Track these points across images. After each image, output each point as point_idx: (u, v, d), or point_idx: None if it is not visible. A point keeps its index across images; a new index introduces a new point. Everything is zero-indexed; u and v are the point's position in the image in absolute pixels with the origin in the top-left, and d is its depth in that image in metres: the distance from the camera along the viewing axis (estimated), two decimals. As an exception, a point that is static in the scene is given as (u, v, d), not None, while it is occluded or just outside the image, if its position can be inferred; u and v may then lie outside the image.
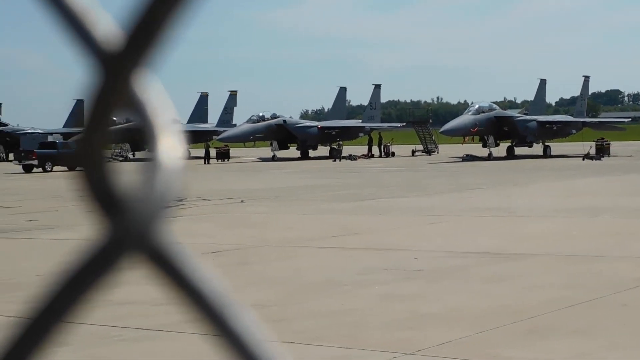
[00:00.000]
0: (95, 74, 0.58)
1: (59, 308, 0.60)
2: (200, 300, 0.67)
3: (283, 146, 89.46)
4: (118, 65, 0.57)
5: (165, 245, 0.63)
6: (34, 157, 68.51)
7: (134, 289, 15.12)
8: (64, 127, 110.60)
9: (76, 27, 0.60)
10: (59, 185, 49.22)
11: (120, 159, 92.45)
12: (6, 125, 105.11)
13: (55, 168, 68.46)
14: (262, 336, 0.70)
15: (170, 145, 0.60)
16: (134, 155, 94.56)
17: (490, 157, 73.73)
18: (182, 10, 0.61)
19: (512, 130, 77.88)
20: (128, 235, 0.57)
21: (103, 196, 0.58)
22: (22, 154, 70.40)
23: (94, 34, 0.60)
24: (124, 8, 0.61)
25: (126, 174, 0.58)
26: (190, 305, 0.67)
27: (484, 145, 77.01)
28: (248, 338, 0.69)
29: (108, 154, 0.56)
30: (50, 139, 79.03)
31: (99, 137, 0.56)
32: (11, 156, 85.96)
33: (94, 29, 0.61)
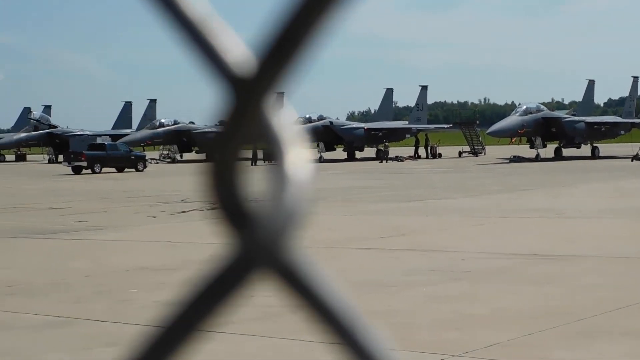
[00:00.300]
0: (226, 97, 0.59)
1: (189, 321, 0.61)
2: (329, 315, 0.67)
3: (330, 147, 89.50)
4: (250, 90, 0.58)
5: (294, 260, 0.63)
6: (83, 159, 69.11)
7: (180, 290, 15.25)
8: (112, 128, 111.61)
9: (208, 51, 0.61)
10: (108, 186, 49.65)
11: (169, 160, 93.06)
12: (56, 127, 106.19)
13: (103, 169, 69.01)
14: (389, 351, 0.71)
15: (298, 158, 0.60)
16: (181, 156, 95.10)
17: (537, 159, 73.25)
18: (315, 34, 0.61)
19: (560, 132, 77.30)
20: (258, 250, 0.58)
21: (233, 211, 0.59)
22: (72, 156, 71.03)
23: (225, 58, 0.61)
24: (256, 32, 0.61)
25: (256, 187, 0.59)
26: (319, 320, 0.67)
27: (532, 147, 76.53)
28: (376, 352, 0.69)
29: (239, 171, 0.57)
30: (99, 140, 79.65)
31: (230, 156, 0.57)
32: (61, 158, 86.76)
33: (226, 54, 0.62)
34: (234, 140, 0.58)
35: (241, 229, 0.59)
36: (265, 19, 0.62)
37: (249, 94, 0.58)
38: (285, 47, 0.59)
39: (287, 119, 0.61)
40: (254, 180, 0.59)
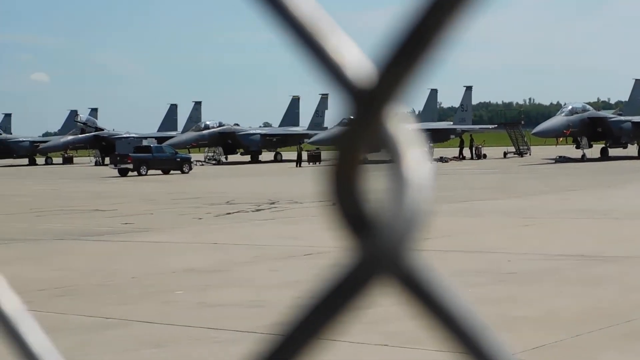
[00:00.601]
0: (347, 108, 0.59)
1: (309, 328, 0.61)
2: (452, 323, 0.66)
3: (374, 148, 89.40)
4: (370, 101, 0.58)
5: (416, 266, 0.63)
6: (129, 161, 69.60)
7: (227, 292, 15.30)
8: (158, 131, 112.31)
9: (327, 63, 0.61)
10: (154, 188, 49.96)
11: (214, 162, 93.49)
12: (102, 129, 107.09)
13: (149, 172, 69.46)
14: (515, 359, 0.70)
15: (418, 163, 0.59)
16: (226, 158, 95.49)
17: (583, 159, 72.69)
18: (439, 40, 0.61)
19: (606, 131, 76.64)
20: (379, 256, 0.57)
21: (353, 217, 0.58)
22: (118, 158, 71.59)
23: (346, 70, 0.61)
24: (376, 43, 0.61)
25: (375, 193, 0.58)
26: (442, 328, 0.66)
27: (577, 147, 75.95)
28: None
29: (360, 179, 0.56)
30: (145, 143, 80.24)
31: (350, 166, 0.57)
32: (107, 160, 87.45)
33: (346, 65, 0.61)
34: (355, 149, 0.57)
35: (362, 234, 0.58)
36: (385, 27, 0.62)
37: (369, 105, 0.58)
38: (405, 56, 0.58)
39: (403, 120, 0.61)
40: (374, 186, 0.59)
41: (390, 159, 0.58)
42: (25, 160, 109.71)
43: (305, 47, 0.63)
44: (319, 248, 20.53)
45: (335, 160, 0.59)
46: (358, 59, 0.62)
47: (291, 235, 23.47)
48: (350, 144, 0.59)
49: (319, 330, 0.62)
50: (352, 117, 0.58)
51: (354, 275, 0.58)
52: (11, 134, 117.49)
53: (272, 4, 0.65)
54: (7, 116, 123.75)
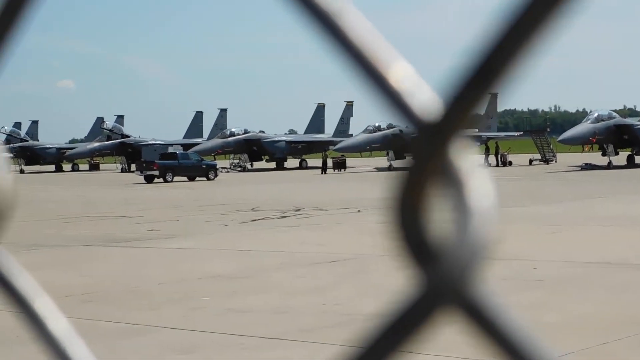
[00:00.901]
0: (413, 141, 0.60)
1: (374, 358, 0.61)
2: (516, 355, 0.65)
3: (399, 156, 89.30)
4: (435, 134, 0.58)
5: (482, 296, 0.62)
6: (155, 168, 69.86)
7: (253, 298, 15.33)
8: (183, 138, 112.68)
9: (392, 95, 0.62)
10: (180, 195, 50.11)
11: (239, 169, 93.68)
12: (128, 136, 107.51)
13: (175, 178, 69.68)
14: None
15: (481, 192, 0.59)
16: (252, 165, 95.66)
17: (610, 166, 72.33)
18: (506, 75, 0.61)
19: (633, 139, 76.23)
20: (444, 285, 0.57)
21: (418, 246, 0.59)
22: (144, 165, 71.86)
23: (410, 101, 0.62)
24: (442, 79, 0.62)
25: (440, 223, 0.59)
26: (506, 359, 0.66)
27: (604, 154, 75.59)
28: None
29: (425, 209, 0.57)
30: (170, 149, 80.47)
31: (415, 197, 0.58)
32: (133, 167, 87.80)
33: (411, 97, 0.62)
34: (419, 180, 0.58)
35: (426, 264, 0.58)
36: (449, 58, 0.62)
37: (434, 137, 0.59)
38: (473, 88, 0.59)
39: (466, 147, 0.61)
40: (438, 216, 0.59)
41: (454, 188, 0.59)
42: (52, 167, 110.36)
43: (368, 78, 0.64)
44: (344, 255, 20.54)
45: (399, 190, 0.60)
46: (422, 90, 0.63)
47: (316, 242, 23.50)
48: (415, 175, 0.60)
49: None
50: (416, 149, 0.59)
51: (419, 306, 0.59)
52: (38, 140, 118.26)
53: (334, 35, 0.66)
54: (34, 123, 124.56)
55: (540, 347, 0.66)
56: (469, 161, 0.60)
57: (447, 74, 0.61)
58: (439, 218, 0.58)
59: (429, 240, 0.59)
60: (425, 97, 0.62)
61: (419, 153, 0.58)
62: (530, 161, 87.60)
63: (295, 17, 0.69)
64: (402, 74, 0.64)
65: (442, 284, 0.58)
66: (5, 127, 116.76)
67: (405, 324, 0.59)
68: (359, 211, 34.20)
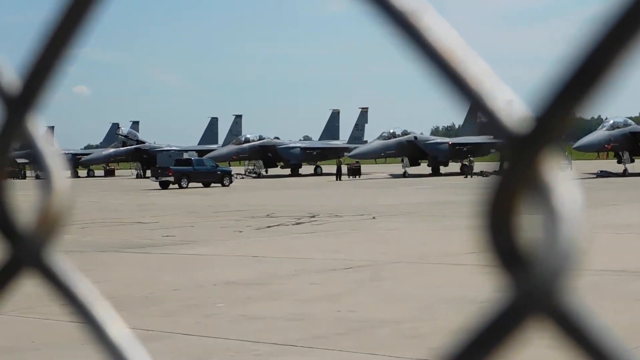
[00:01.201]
0: (502, 154, 0.59)
1: None
2: None
3: (414, 162, 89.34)
4: (526, 147, 0.57)
5: (571, 305, 0.60)
6: (170, 174, 70.03)
7: (267, 304, 15.35)
8: (199, 144, 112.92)
9: (482, 108, 0.61)
10: (194, 201, 50.19)
11: (254, 175, 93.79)
12: (144, 142, 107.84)
13: (190, 184, 69.82)
14: None
15: (570, 198, 0.58)
16: (266, 171, 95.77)
17: (625, 173, 72.13)
18: (600, 84, 0.59)
19: (649, 146, 76.02)
20: (533, 294, 0.56)
21: (507, 255, 0.58)
22: (159, 171, 72.05)
23: (501, 115, 0.61)
24: (533, 90, 0.60)
25: (529, 231, 0.57)
26: None
27: (619, 161, 75.38)
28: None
29: (514, 221, 0.56)
30: (185, 156, 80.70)
31: (505, 210, 0.57)
32: (148, 173, 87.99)
33: (500, 111, 0.60)
34: (510, 188, 0.56)
35: (517, 271, 0.57)
36: (544, 68, 0.60)
37: (524, 151, 0.57)
38: (567, 100, 0.58)
39: (555, 155, 0.60)
40: (527, 223, 0.58)
41: (544, 196, 0.58)
42: (68, 173, 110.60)
43: (459, 91, 0.62)
44: (359, 262, 20.52)
45: (490, 197, 0.59)
46: (512, 103, 0.61)
47: (331, 248, 23.49)
48: (506, 183, 0.58)
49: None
50: (507, 158, 0.58)
51: (508, 315, 0.57)
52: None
53: (413, 37, 0.65)
54: (50, 128, 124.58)
55: (631, 356, 0.63)
56: (559, 169, 0.58)
57: (538, 83, 0.60)
58: (529, 225, 0.57)
59: (520, 247, 0.58)
60: (516, 107, 0.61)
61: (510, 162, 0.57)
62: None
63: (372, 18, 0.67)
64: (489, 82, 0.62)
65: (534, 291, 0.56)
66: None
67: (494, 333, 0.57)
68: (373, 218, 34.19)
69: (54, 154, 0.78)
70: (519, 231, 0.57)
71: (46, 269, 0.77)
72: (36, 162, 0.77)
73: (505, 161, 0.57)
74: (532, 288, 0.56)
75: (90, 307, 0.80)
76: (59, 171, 0.78)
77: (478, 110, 0.62)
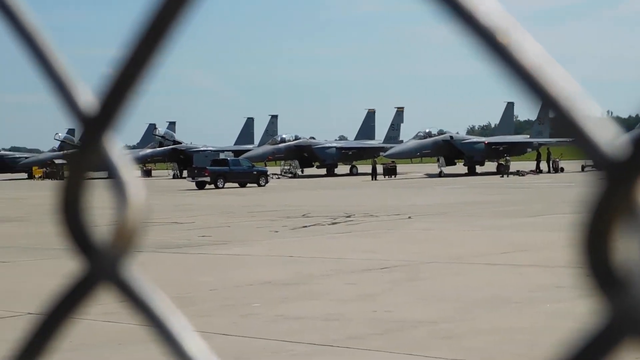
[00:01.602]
0: (597, 179, 0.59)
1: None
2: None
3: (450, 162, 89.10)
4: (620, 175, 0.56)
5: None
6: (206, 174, 70.29)
7: (303, 304, 15.37)
8: (235, 144, 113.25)
9: (575, 132, 0.60)
10: (231, 201, 50.35)
11: (290, 175, 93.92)
12: (180, 142, 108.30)
13: (226, 184, 70.04)
14: None
15: None
16: (302, 171, 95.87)
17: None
18: None
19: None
20: (629, 316, 0.55)
21: (603, 278, 0.58)
22: (195, 171, 72.34)
23: (595, 140, 0.60)
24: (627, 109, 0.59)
25: (626, 253, 0.57)
26: None
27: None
28: None
29: (610, 243, 0.56)
30: (222, 156, 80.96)
31: (604, 228, 0.56)
32: (185, 173, 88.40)
33: (595, 135, 0.61)
34: (607, 213, 0.55)
35: (613, 293, 0.56)
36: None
37: (617, 179, 0.57)
38: None
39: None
40: (624, 246, 0.57)
41: (637, 221, 0.57)
42: (105, 173, 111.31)
43: (551, 109, 0.62)
44: (395, 262, 20.51)
45: (588, 220, 0.59)
46: (607, 128, 0.60)
47: (367, 248, 23.49)
48: (603, 208, 0.58)
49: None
50: (604, 184, 0.58)
51: (605, 335, 0.57)
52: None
53: (501, 55, 0.64)
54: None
55: None
56: None
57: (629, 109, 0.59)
58: (625, 249, 0.57)
59: (616, 269, 0.57)
60: (609, 132, 0.60)
61: (606, 186, 0.56)
62: (583, 167, 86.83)
63: (456, 35, 0.67)
64: (583, 105, 0.62)
65: (630, 312, 0.56)
66: (60, 134, 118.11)
67: (591, 354, 0.57)
68: (409, 218, 34.14)
69: (130, 168, 0.80)
70: (616, 254, 0.57)
71: (122, 283, 0.78)
72: (112, 176, 0.80)
73: (601, 185, 0.57)
74: (628, 310, 0.56)
75: (166, 321, 0.81)
76: (135, 186, 0.80)
77: (571, 133, 0.61)
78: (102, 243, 0.79)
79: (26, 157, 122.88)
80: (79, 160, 0.77)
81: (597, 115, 0.60)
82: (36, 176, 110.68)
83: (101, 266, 0.76)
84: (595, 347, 0.56)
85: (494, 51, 0.65)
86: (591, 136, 0.59)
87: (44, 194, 63.68)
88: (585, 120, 0.60)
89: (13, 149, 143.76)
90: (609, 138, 0.59)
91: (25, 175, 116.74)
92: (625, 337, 0.56)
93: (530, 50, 0.65)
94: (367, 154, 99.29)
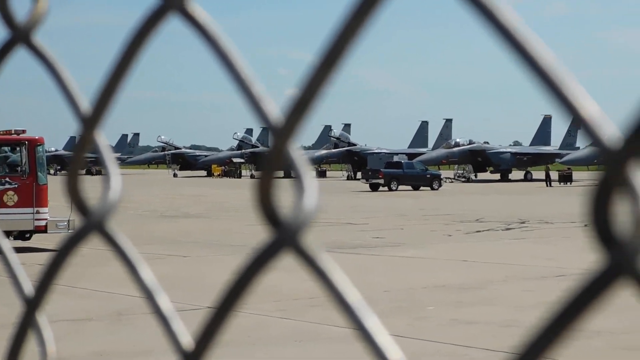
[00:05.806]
0: (602, 163, 0.69)
1: (558, 325, 0.71)
2: None
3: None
4: (616, 159, 0.66)
5: None
6: (380, 176, 70.56)
7: (479, 309, 15.27)
8: (408, 147, 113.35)
9: (588, 127, 0.70)
10: (404, 204, 50.40)
11: (463, 179, 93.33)
12: (355, 144, 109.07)
13: (400, 187, 70.14)
14: None
15: None
16: (476, 176, 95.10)
17: None
18: None
19: None
20: (622, 263, 0.67)
21: (606, 236, 0.70)
22: (369, 173, 72.74)
23: (601, 132, 0.69)
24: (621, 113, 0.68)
25: (621, 219, 0.69)
26: None
27: None
28: None
29: (611, 210, 0.68)
30: (395, 158, 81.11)
31: (605, 200, 0.69)
32: (359, 174, 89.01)
33: (601, 128, 0.69)
34: (607, 189, 0.67)
35: (611, 247, 0.68)
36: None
37: (614, 161, 0.66)
38: None
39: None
40: (620, 213, 0.69)
41: (631, 195, 0.68)
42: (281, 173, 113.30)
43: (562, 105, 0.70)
44: (572, 270, 20.12)
45: (594, 195, 0.70)
46: (606, 122, 0.68)
47: (543, 255, 23.13)
48: (604, 185, 0.68)
49: (567, 326, 0.69)
50: (604, 168, 0.68)
51: (603, 276, 0.67)
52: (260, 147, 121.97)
53: (522, 53, 0.72)
54: (264, 130, 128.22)
55: None
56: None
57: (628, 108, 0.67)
58: (621, 216, 0.66)
59: (615, 231, 0.67)
60: (609, 127, 0.67)
61: (607, 171, 0.67)
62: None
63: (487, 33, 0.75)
64: (589, 105, 0.70)
65: (623, 260, 0.66)
66: (238, 134, 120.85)
67: (592, 290, 0.67)
68: (586, 225, 33.33)
69: (303, 158, 0.89)
70: (615, 219, 0.67)
71: (302, 251, 0.87)
72: (289, 165, 0.89)
73: (604, 170, 0.66)
74: (622, 257, 0.66)
75: (345, 295, 0.85)
76: (307, 173, 0.89)
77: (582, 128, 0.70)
78: (284, 215, 0.89)
79: (205, 155, 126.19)
80: (270, 163, 0.88)
81: (599, 115, 0.69)
82: (215, 174, 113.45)
83: (284, 235, 0.86)
84: (598, 283, 0.67)
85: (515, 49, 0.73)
86: (597, 131, 0.67)
87: (223, 192, 65.25)
88: (591, 115, 0.68)
89: (193, 147, 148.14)
90: (609, 132, 0.67)
91: (204, 172, 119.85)
92: (619, 277, 0.67)
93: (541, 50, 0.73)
94: (543, 160, 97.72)
